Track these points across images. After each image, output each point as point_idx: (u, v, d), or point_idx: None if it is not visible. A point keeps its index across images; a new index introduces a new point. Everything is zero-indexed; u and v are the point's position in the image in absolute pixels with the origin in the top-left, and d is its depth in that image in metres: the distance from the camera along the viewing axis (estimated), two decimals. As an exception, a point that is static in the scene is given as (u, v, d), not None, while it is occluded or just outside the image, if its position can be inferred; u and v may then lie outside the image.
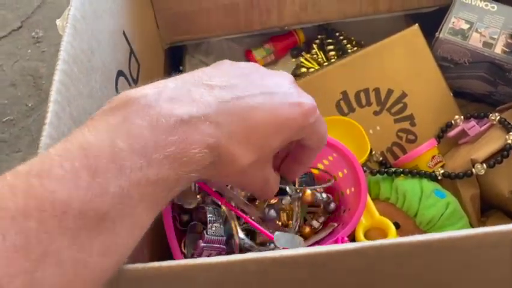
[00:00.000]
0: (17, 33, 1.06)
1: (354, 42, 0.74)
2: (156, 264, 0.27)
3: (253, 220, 0.48)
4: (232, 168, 0.30)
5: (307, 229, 0.51)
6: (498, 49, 0.59)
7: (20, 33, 1.06)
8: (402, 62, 0.62)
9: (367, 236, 0.49)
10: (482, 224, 0.55)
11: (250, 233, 0.52)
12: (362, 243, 0.29)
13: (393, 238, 0.45)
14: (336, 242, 0.48)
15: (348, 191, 0.52)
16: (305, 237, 0.51)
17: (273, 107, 0.31)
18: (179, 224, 0.51)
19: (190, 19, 0.66)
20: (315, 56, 0.73)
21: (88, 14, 0.43)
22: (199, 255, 0.46)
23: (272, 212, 0.49)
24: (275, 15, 0.67)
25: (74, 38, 0.39)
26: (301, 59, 0.73)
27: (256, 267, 0.28)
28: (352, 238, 0.49)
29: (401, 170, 0.54)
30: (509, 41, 0.59)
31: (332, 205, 0.50)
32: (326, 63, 0.71)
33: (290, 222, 0.52)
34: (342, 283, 0.33)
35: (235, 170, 0.30)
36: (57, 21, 0.40)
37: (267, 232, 0.47)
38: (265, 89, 0.31)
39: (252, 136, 0.30)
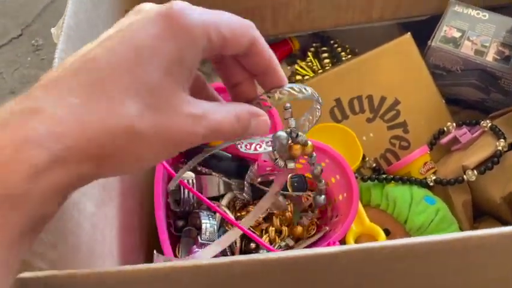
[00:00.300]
0: (17, 41, 1.07)
1: (348, 50, 0.75)
2: (144, 266, 0.28)
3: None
4: (112, 138, 0.22)
5: (299, 229, 0.51)
6: (489, 57, 0.60)
7: (20, 41, 1.07)
8: (395, 70, 0.62)
9: (357, 243, 0.49)
10: (474, 229, 0.55)
11: (247, 236, 0.52)
12: (348, 246, 0.29)
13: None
14: (328, 246, 0.48)
15: (340, 197, 0.52)
16: (297, 238, 0.52)
17: (122, 42, 0.24)
18: (174, 229, 0.52)
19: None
20: (310, 63, 0.74)
21: (82, 22, 0.43)
22: (192, 260, 0.47)
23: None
24: (269, 23, 0.68)
25: (67, 46, 0.39)
26: (296, 67, 0.74)
27: (243, 269, 0.29)
28: (343, 244, 0.49)
29: (392, 176, 0.55)
30: (500, 48, 0.60)
31: (322, 197, 0.47)
32: (320, 71, 0.72)
33: (283, 228, 0.53)
34: (329, 286, 0.33)
35: (122, 138, 0.23)
36: (52, 30, 0.41)
37: (258, 238, 0.47)
38: (110, 33, 0.25)
39: (100, 88, 0.22)
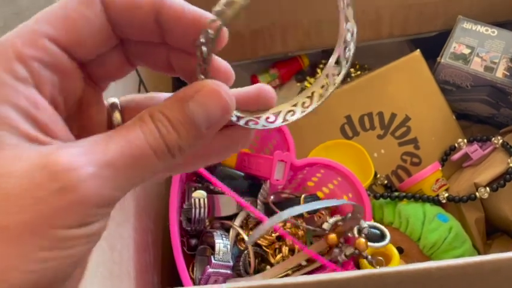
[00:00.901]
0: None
1: (358, 66, 0.75)
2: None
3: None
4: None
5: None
6: (499, 73, 0.60)
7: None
8: (405, 86, 0.63)
9: (371, 261, 0.49)
10: (487, 246, 0.55)
11: (260, 255, 0.53)
12: (363, 271, 0.29)
13: (394, 266, 0.45)
14: (341, 266, 0.49)
15: (353, 215, 0.52)
16: (310, 260, 0.52)
17: None
18: (187, 248, 0.52)
19: (196, 47, 0.68)
20: (319, 80, 0.74)
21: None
22: (206, 281, 0.47)
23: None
24: (279, 42, 0.69)
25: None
26: (306, 83, 0.74)
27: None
28: (356, 263, 0.49)
29: (404, 194, 0.55)
30: (509, 65, 0.60)
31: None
32: (330, 87, 0.72)
33: (296, 246, 0.53)
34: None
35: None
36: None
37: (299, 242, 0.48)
38: None
39: None
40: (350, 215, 0.47)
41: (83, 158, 0.17)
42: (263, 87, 0.22)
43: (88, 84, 0.21)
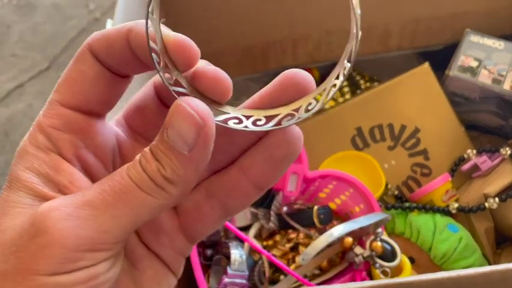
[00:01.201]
0: (45, 73, 1.11)
1: (367, 78, 0.77)
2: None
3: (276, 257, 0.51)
4: None
5: (324, 263, 0.53)
6: (507, 85, 0.61)
7: (48, 73, 1.11)
8: (414, 98, 0.64)
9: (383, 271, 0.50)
10: (497, 256, 0.56)
11: (274, 265, 0.54)
12: (377, 281, 0.31)
13: (407, 276, 0.46)
14: (353, 276, 0.50)
15: (364, 226, 0.54)
16: (323, 270, 0.53)
17: None
18: (203, 258, 0.54)
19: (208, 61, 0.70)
20: (329, 92, 0.76)
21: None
22: (223, 292, 0.49)
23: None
24: (290, 55, 0.70)
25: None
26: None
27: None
28: (368, 273, 0.50)
29: (415, 205, 0.56)
30: (517, 77, 0.61)
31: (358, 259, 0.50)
32: (340, 99, 0.74)
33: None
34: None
35: None
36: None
37: (287, 268, 0.49)
38: None
39: None
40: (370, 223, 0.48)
41: (61, 202, 0.17)
42: (295, 73, 0.19)
43: (132, 137, 0.21)
